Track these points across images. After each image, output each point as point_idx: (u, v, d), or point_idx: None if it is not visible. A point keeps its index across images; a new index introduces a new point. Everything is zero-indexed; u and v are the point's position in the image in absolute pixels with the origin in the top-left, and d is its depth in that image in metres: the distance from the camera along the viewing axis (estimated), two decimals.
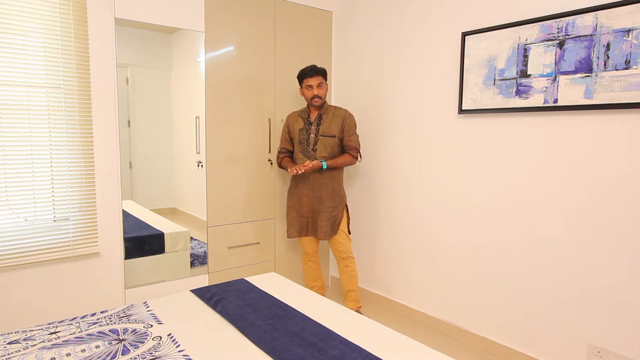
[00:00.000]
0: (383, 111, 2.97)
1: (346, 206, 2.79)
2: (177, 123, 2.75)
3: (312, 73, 2.65)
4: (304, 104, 3.17)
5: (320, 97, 2.67)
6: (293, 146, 2.83)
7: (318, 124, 2.70)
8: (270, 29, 2.98)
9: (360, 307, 2.87)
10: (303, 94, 2.73)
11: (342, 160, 2.68)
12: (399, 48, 2.85)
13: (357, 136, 2.74)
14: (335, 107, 2.76)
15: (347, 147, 2.70)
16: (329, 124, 2.69)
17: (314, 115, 2.74)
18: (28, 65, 2.13)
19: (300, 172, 2.55)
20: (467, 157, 2.50)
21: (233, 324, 1.66)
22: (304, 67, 3.12)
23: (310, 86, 2.66)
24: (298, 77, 2.73)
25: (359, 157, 2.75)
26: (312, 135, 2.70)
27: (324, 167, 2.63)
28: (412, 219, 2.84)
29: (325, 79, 2.72)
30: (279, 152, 2.87)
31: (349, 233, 2.82)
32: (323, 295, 2.26)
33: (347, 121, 2.70)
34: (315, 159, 2.66)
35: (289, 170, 2.61)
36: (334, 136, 2.68)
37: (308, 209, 2.74)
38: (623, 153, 1.89)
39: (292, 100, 3.13)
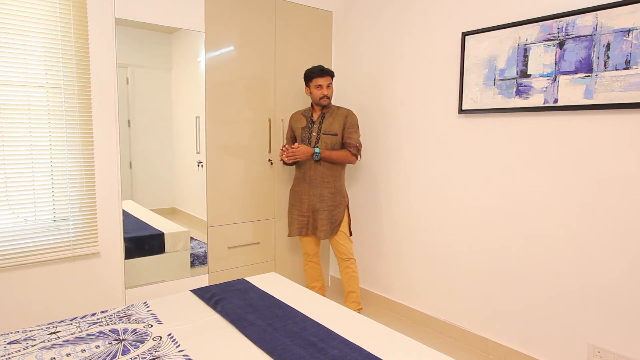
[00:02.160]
0: (383, 111, 2.97)
1: (347, 207, 2.79)
2: (177, 123, 2.75)
3: (322, 73, 2.65)
4: (305, 104, 3.17)
5: (328, 97, 2.68)
6: None
7: (320, 123, 2.71)
8: (270, 28, 2.98)
9: (361, 308, 2.86)
10: (310, 94, 2.72)
11: (338, 154, 2.66)
12: (398, 48, 2.85)
13: (359, 135, 2.73)
14: (338, 107, 2.76)
15: (346, 145, 2.69)
16: (332, 122, 2.69)
17: (317, 114, 2.75)
18: (28, 65, 2.13)
19: (290, 155, 2.59)
20: (467, 157, 2.49)
21: (233, 324, 1.66)
22: (304, 67, 3.12)
23: (320, 86, 2.65)
24: (305, 77, 2.72)
25: (358, 156, 2.74)
26: (314, 134, 2.70)
27: (317, 151, 2.62)
28: (412, 219, 2.84)
29: (332, 79, 2.72)
30: (282, 150, 2.86)
31: (351, 234, 2.82)
32: (323, 296, 2.26)
33: (348, 119, 2.70)
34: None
35: (282, 156, 2.64)
36: (336, 134, 2.68)
37: (308, 207, 2.73)
38: (623, 153, 1.89)
39: (292, 100, 3.13)
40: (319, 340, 1.52)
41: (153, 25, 2.50)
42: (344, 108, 2.76)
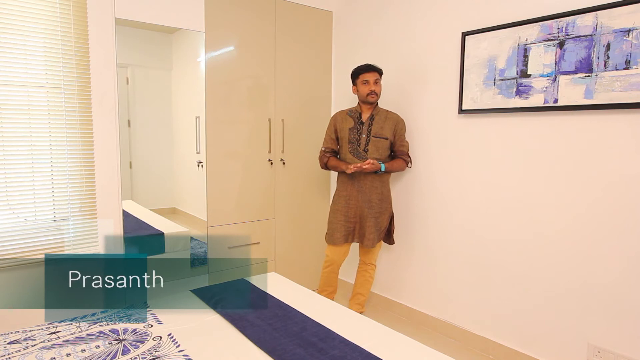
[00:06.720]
0: None
1: (392, 215, 2.71)
2: (177, 123, 2.75)
3: (369, 69, 2.56)
4: (307, 105, 3.17)
5: (376, 94, 2.57)
6: (338, 146, 2.72)
7: (370, 125, 2.60)
8: (270, 28, 2.98)
9: (363, 311, 2.85)
10: (357, 91, 2.63)
11: (397, 164, 2.60)
12: (399, 48, 2.85)
13: (407, 142, 2.68)
14: (387, 110, 2.67)
15: (399, 152, 2.63)
16: (382, 126, 2.60)
17: (366, 115, 2.63)
18: (28, 65, 2.13)
19: (361, 169, 2.46)
20: (467, 157, 2.49)
21: (233, 324, 1.66)
22: (304, 67, 3.11)
23: (367, 81, 2.55)
24: (352, 74, 2.64)
25: (410, 163, 2.68)
26: (363, 136, 2.59)
27: (382, 169, 2.53)
28: (411, 218, 2.84)
29: (381, 77, 2.62)
30: (324, 152, 2.73)
31: (393, 242, 2.76)
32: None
33: (400, 125, 2.63)
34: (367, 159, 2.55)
35: (347, 168, 2.51)
36: (387, 138, 2.59)
37: (355, 213, 2.63)
38: (623, 153, 1.89)
39: (292, 100, 3.13)
40: (319, 340, 1.52)
41: (153, 25, 2.50)
42: (392, 112, 2.67)
